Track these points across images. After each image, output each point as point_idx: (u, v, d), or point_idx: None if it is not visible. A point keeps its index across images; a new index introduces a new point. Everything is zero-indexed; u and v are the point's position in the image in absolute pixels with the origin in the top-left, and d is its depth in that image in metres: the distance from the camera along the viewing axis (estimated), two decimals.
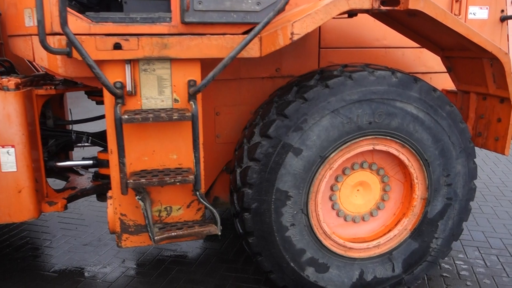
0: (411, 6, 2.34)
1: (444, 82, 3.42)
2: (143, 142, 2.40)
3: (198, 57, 2.34)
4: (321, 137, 2.44)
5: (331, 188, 2.76)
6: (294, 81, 2.73)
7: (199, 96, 2.41)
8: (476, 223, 4.17)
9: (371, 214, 2.87)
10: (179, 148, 2.44)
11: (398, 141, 2.58)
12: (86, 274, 3.23)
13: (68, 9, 2.20)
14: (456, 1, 3.28)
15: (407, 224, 2.78)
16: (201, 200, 2.40)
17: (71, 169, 3.43)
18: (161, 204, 2.52)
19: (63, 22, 2.06)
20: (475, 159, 2.75)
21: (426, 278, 3.19)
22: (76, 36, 2.13)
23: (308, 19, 2.27)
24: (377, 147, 2.59)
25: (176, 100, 2.40)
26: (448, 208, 2.76)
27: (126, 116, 2.19)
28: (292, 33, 2.28)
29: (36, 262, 3.40)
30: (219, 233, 2.45)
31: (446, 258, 3.44)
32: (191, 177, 2.34)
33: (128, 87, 2.29)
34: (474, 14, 3.35)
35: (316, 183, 2.55)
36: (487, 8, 3.36)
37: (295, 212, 2.53)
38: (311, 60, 3.15)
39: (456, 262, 3.44)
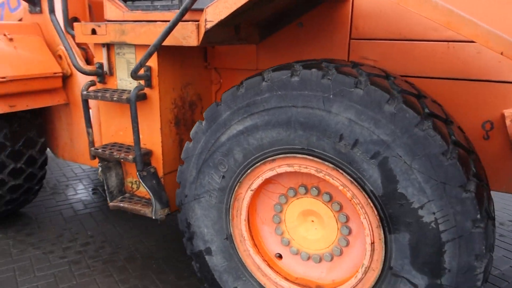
0: None
1: None
2: (118, 119, 2.69)
3: (149, 44, 2.39)
4: (208, 225, 2.34)
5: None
6: None
7: (155, 80, 2.47)
8: None
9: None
10: (143, 128, 2.59)
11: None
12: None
13: None
14: None
15: None
16: (140, 181, 2.50)
17: None
18: (132, 177, 2.76)
19: (50, 10, 2.56)
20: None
21: None
22: (111, 22, 2.55)
23: (221, 4, 1.94)
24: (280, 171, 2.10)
25: (140, 83, 2.55)
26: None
27: (85, 92, 2.53)
28: (206, 20, 2.01)
29: None
30: (153, 217, 2.50)
31: None
32: (130, 157, 2.48)
33: (105, 68, 2.61)
34: None
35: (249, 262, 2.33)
36: None
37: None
38: (338, 54, 2.54)
39: None
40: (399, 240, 1.81)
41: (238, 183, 2.15)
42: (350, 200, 1.90)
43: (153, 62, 2.44)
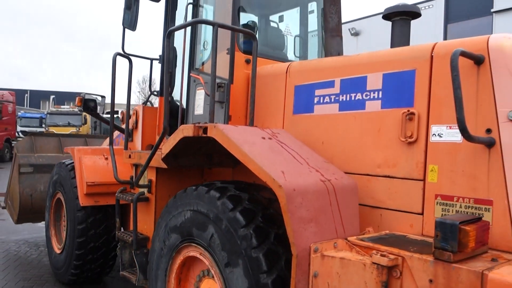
0: (209, 134, 2.69)
1: (404, 223, 2.54)
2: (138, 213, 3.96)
3: (151, 165, 3.69)
4: None
5: None
6: None
7: (153, 189, 3.71)
8: None
9: None
10: (145, 220, 3.80)
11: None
12: None
13: None
14: (409, 120, 2.53)
15: None
16: (134, 257, 3.62)
17: None
18: None
19: (110, 142, 4.15)
20: None
21: None
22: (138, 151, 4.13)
23: (167, 143, 3.15)
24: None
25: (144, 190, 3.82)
26: None
27: (116, 194, 3.92)
28: (162, 153, 3.23)
29: None
30: (136, 284, 3.56)
31: None
32: (131, 239, 3.67)
33: (134, 179, 3.99)
34: (440, 136, 2.40)
35: None
36: None
37: None
38: None
39: None
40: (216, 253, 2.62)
41: None
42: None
43: (153, 176, 3.72)
